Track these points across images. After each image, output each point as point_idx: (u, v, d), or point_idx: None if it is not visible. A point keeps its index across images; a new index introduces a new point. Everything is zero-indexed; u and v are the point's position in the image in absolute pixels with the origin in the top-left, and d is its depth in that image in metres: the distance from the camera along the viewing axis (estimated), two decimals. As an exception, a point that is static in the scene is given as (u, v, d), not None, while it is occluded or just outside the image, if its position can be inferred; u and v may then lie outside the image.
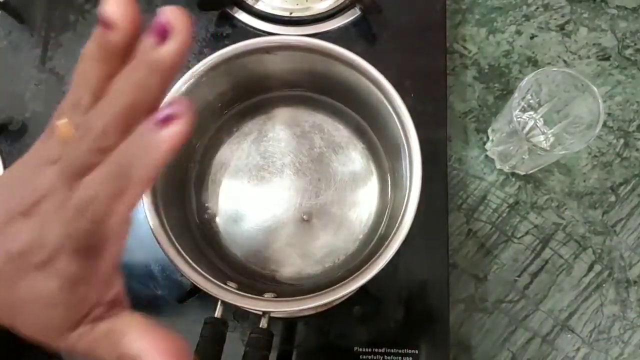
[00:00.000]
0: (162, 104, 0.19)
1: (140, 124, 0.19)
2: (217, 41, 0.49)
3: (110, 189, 0.19)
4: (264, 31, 0.48)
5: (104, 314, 0.22)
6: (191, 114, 0.19)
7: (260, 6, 0.49)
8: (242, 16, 0.49)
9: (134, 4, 0.19)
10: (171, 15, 0.18)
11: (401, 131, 0.34)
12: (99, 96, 0.20)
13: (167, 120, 0.19)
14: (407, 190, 0.33)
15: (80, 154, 0.20)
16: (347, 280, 0.31)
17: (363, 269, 0.32)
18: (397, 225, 0.33)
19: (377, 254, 0.32)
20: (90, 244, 0.20)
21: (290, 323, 0.43)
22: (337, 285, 0.31)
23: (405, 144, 0.34)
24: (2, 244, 0.21)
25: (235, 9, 0.49)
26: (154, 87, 0.19)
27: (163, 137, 0.19)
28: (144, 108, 0.20)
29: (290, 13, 0.49)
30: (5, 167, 0.46)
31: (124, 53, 0.20)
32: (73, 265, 0.20)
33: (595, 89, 0.43)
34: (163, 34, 0.18)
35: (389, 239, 0.32)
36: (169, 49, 0.19)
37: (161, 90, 0.20)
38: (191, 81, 0.34)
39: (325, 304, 0.38)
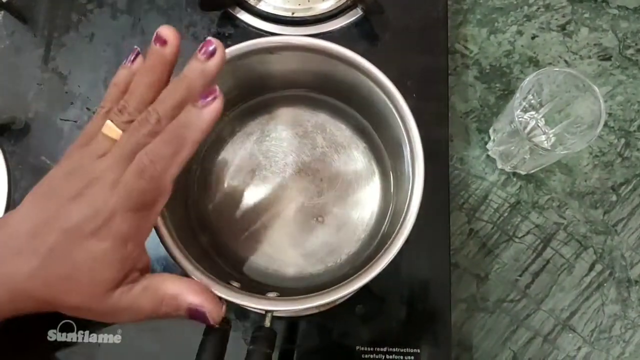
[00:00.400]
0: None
1: (189, 104, 0.27)
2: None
3: (170, 149, 0.27)
4: (266, 31, 0.48)
5: (138, 277, 0.29)
6: (222, 98, 0.28)
7: (262, 6, 0.49)
8: (244, 16, 0.49)
9: (178, 33, 0.29)
10: (216, 42, 0.28)
11: (403, 131, 0.34)
12: (144, 100, 0.28)
13: (208, 100, 0.27)
14: (410, 190, 0.33)
15: (139, 139, 0.27)
16: (350, 279, 0.31)
17: (366, 267, 0.32)
18: (399, 224, 0.33)
19: (380, 253, 0.32)
20: (144, 201, 0.27)
21: (292, 322, 0.43)
22: (340, 284, 0.31)
23: (408, 144, 0.34)
24: (56, 224, 0.26)
25: (237, 9, 0.49)
26: (198, 87, 0.28)
27: (207, 111, 0.27)
28: (190, 101, 0.28)
29: (292, 13, 0.49)
30: (8, 166, 0.46)
31: (171, 65, 0.29)
32: (126, 223, 0.27)
33: (596, 88, 0.43)
34: (212, 53, 0.28)
35: (392, 238, 0.33)
36: (213, 63, 0.28)
37: (202, 90, 0.28)
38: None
39: (327, 303, 0.38)
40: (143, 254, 0.29)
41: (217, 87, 0.28)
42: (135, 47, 0.32)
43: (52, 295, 0.27)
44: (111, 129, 0.28)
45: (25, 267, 0.26)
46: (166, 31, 0.29)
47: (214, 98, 0.27)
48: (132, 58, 0.31)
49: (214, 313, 0.29)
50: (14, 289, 0.27)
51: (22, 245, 0.27)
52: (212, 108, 0.27)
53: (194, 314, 0.29)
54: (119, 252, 0.27)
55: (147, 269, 0.30)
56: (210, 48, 0.28)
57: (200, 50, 0.28)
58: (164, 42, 0.29)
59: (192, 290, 0.29)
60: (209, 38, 0.29)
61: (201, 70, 0.28)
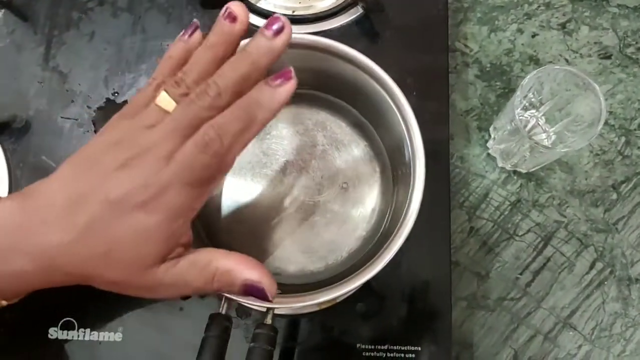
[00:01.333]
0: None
1: (261, 81, 0.27)
2: (220, 39, 0.49)
3: (239, 125, 0.26)
4: (266, 29, 0.48)
5: (182, 252, 0.27)
6: (296, 79, 0.27)
7: (262, 4, 0.49)
8: (245, 14, 0.49)
9: (247, 9, 0.28)
10: (283, 19, 0.27)
11: (404, 128, 0.34)
12: (203, 76, 0.27)
13: (283, 78, 0.27)
14: (411, 188, 0.33)
15: (197, 112, 0.26)
16: (352, 276, 0.31)
17: (367, 265, 0.32)
18: (400, 222, 0.33)
19: (381, 251, 0.32)
20: (204, 177, 0.26)
21: (293, 320, 0.43)
22: (342, 281, 0.32)
23: (409, 141, 0.34)
24: (98, 195, 0.25)
25: (238, 7, 0.49)
26: (263, 65, 0.27)
27: (280, 91, 0.26)
28: (252, 81, 0.27)
29: (293, 11, 0.49)
30: (9, 165, 0.46)
31: (237, 44, 0.28)
32: (181, 197, 0.25)
33: (597, 86, 0.43)
34: (277, 32, 0.27)
35: (393, 236, 0.33)
36: (282, 40, 0.27)
37: (266, 68, 0.27)
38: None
39: (328, 301, 0.38)
40: (188, 229, 0.28)
41: (292, 69, 0.27)
42: (195, 20, 0.30)
43: (87, 271, 0.26)
44: (166, 101, 0.26)
45: (56, 240, 0.25)
46: (237, 8, 0.28)
47: (289, 78, 0.27)
48: (190, 32, 0.29)
49: (272, 288, 0.28)
50: (44, 262, 0.25)
51: (56, 216, 0.25)
52: (286, 88, 0.26)
53: (250, 290, 0.28)
54: (168, 227, 0.26)
55: (189, 244, 0.28)
56: (277, 26, 0.27)
57: (267, 27, 0.27)
58: (234, 19, 0.28)
59: (246, 265, 0.28)
60: (276, 15, 0.27)
61: (268, 48, 0.27)
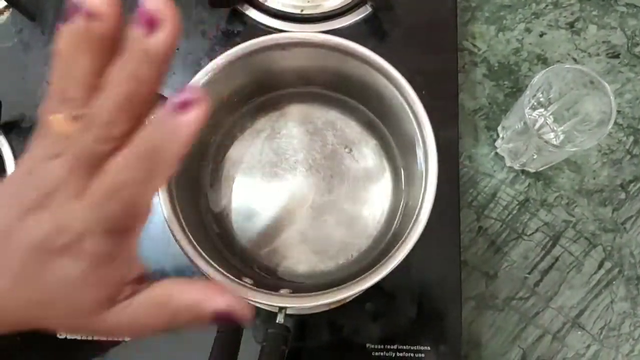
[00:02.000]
0: (178, 90, 0.20)
1: (160, 110, 0.20)
2: (228, 38, 0.49)
3: (140, 172, 0.21)
4: (275, 29, 0.48)
5: (136, 289, 0.23)
6: (206, 100, 0.20)
7: (271, 3, 0.49)
8: (253, 13, 0.49)
9: None
10: (156, 3, 0.19)
11: (416, 126, 0.34)
12: (90, 89, 0.21)
13: (184, 105, 0.20)
14: (423, 187, 0.33)
15: (89, 144, 0.20)
16: (364, 276, 0.31)
17: (379, 264, 0.32)
18: (413, 221, 0.33)
19: (393, 250, 0.32)
20: (120, 225, 0.22)
21: (302, 320, 0.43)
22: (354, 281, 0.32)
23: (420, 139, 0.34)
24: (21, 238, 0.21)
25: (246, 6, 0.49)
26: (149, 76, 0.20)
27: (183, 122, 0.20)
28: (143, 97, 0.20)
29: (302, 10, 0.49)
30: (17, 163, 0.46)
31: (111, 43, 0.20)
32: (102, 244, 0.21)
33: (606, 85, 0.43)
34: (151, 24, 0.19)
35: (405, 235, 0.33)
36: (159, 39, 0.19)
37: (157, 78, 0.20)
38: (208, 76, 0.34)
39: (339, 300, 0.38)
40: (133, 265, 0.24)
41: (197, 87, 0.22)
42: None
43: (30, 319, 0.23)
44: (58, 124, 0.21)
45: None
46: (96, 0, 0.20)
47: (193, 103, 0.20)
48: (67, 14, 0.21)
49: (245, 311, 0.24)
50: None
51: None
52: (189, 117, 0.20)
53: (222, 319, 0.24)
54: (96, 273, 0.22)
55: (142, 279, 0.24)
56: (150, 11, 0.19)
57: (138, 21, 0.19)
58: (95, 16, 0.20)
59: (212, 294, 0.24)
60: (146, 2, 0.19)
61: (142, 53, 0.20)
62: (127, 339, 0.24)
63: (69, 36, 0.20)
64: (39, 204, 0.21)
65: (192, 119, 0.20)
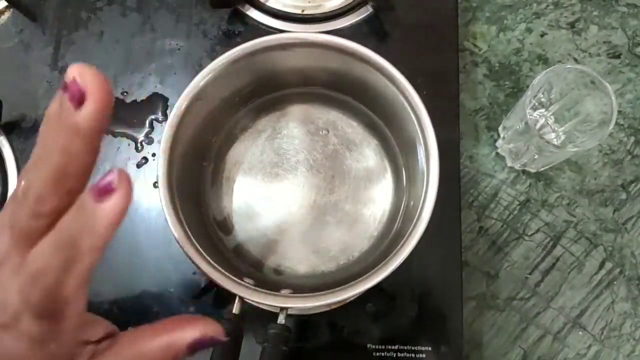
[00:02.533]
0: (103, 174, 0.19)
1: (82, 194, 0.19)
2: (229, 39, 0.49)
3: (59, 261, 0.19)
4: (275, 29, 0.48)
5: (98, 350, 0.22)
6: (129, 186, 0.19)
7: (272, 4, 0.49)
8: (254, 14, 0.49)
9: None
10: (81, 76, 0.18)
11: (417, 127, 0.34)
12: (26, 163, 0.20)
13: (103, 192, 0.19)
14: (424, 187, 0.33)
15: (24, 219, 0.20)
16: (366, 276, 0.31)
17: (381, 265, 0.32)
18: (414, 221, 0.33)
19: (395, 250, 0.32)
20: (49, 309, 0.20)
21: (302, 320, 0.43)
22: (355, 281, 0.31)
23: (422, 141, 0.34)
24: None
25: (247, 6, 0.49)
26: (78, 150, 0.19)
27: (102, 212, 0.19)
28: (74, 171, 0.19)
29: (302, 11, 0.49)
30: (17, 163, 0.46)
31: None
32: (36, 327, 0.20)
33: (608, 85, 0.43)
34: (78, 97, 0.18)
35: (407, 235, 0.32)
36: (85, 113, 0.18)
37: (88, 152, 0.19)
38: (209, 77, 0.34)
39: (340, 301, 0.38)
40: (86, 328, 0.22)
41: (117, 173, 0.19)
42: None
43: None
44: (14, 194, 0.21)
45: None
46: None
47: (113, 190, 0.19)
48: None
49: (219, 330, 0.23)
50: None
51: None
52: (109, 205, 0.19)
53: (200, 346, 0.23)
54: (39, 354, 0.21)
55: (108, 334, 0.23)
56: (75, 85, 0.18)
57: (65, 93, 0.18)
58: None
59: (180, 328, 0.22)
60: (71, 67, 0.18)
61: (69, 127, 0.19)
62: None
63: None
64: None
65: (110, 209, 0.19)
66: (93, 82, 0.18)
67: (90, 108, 0.18)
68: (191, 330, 0.22)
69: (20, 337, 0.20)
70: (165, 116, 0.47)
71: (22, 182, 0.20)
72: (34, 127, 0.47)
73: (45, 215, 0.20)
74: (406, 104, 0.34)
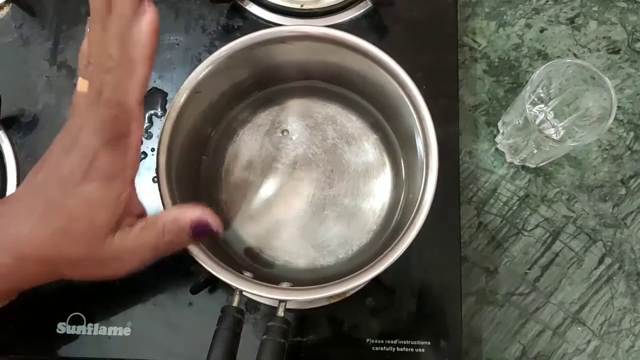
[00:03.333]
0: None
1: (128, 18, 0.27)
2: (228, 33, 0.49)
3: (122, 71, 0.27)
4: (275, 23, 0.48)
5: (134, 221, 0.29)
6: (153, 5, 0.28)
7: (271, -2, 0.49)
8: (253, 8, 0.49)
9: None
10: None
11: (417, 120, 0.34)
12: (100, 43, 0.28)
13: (140, 12, 0.27)
14: (424, 179, 0.33)
15: (99, 78, 0.27)
16: (364, 269, 0.31)
17: (379, 257, 0.32)
18: (412, 215, 0.33)
19: (393, 244, 0.32)
20: (117, 131, 0.28)
21: (302, 314, 0.43)
22: (355, 274, 0.31)
23: (421, 133, 0.34)
24: (52, 178, 0.28)
25: (246, 1, 0.49)
26: (127, 12, 0.27)
27: (143, 25, 0.28)
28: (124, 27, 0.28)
29: (302, 5, 0.49)
30: (17, 159, 0.46)
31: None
32: (107, 159, 0.27)
33: (607, 80, 0.43)
34: None
35: (405, 228, 0.32)
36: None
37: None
38: (209, 69, 0.34)
39: (339, 294, 0.38)
40: (135, 199, 0.30)
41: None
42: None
43: (55, 251, 0.28)
44: (82, 84, 0.29)
45: (25, 228, 0.27)
46: None
47: (144, 8, 0.28)
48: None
49: (215, 220, 0.31)
50: (19, 253, 0.27)
51: (22, 206, 0.28)
52: (146, 20, 0.27)
53: (197, 227, 0.30)
54: (108, 190, 0.28)
55: (142, 215, 0.31)
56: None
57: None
58: None
59: (187, 209, 0.30)
60: None
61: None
62: (130, 267, 0.30)
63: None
64: (71, 147, 0.28)
65: (147, 21, 0.27)
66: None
67: None
68: (193, 212, 0.30)
69: (94, 177, 0.27)
70: (165, 111, 0.47)
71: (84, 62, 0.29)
72: (33, 122, 0.47)
73: (113, 67, 0.27)
74: (405, 97, 0.34)
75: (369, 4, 0.49)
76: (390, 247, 0.32)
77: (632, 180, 0.51)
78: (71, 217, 0.27)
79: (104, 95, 0.27)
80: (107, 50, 0.28)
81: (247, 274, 0.33)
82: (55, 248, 0.28)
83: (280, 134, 0.41)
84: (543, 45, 0.54)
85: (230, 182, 0.40)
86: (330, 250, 0.39)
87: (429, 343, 0.42)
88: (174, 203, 0.33)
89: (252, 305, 0.42)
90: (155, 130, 0.47)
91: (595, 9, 0.55)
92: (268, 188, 0.40)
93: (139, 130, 0.29)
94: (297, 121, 0.41)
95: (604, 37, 0.54)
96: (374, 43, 0.35)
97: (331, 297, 0.36)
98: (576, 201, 0.50)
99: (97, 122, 0.27)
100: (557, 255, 0.49)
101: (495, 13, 0.55)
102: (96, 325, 0.42)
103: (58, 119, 0.47)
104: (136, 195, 0.31)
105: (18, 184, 0.45)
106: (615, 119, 0.52)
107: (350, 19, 0.49)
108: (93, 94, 0.28)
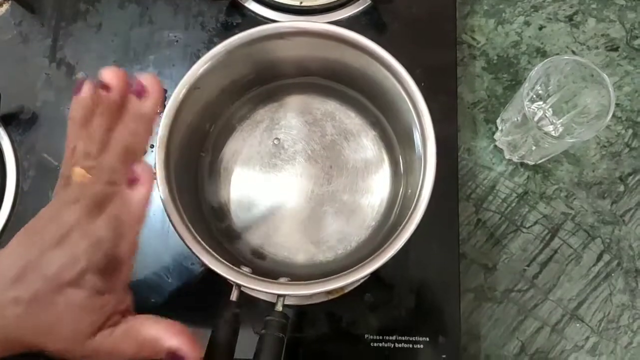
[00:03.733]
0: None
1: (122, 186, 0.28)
2: (227, 30, 0.49)
3: (114, 233, 0.27)
4: (274, 20, 0.48)
5: (119, 320, 0.28)
6: (150, 174, 0.29)
7: (270, -4, 0.49)
8: (252, 5, 0.49)
9: (123, 72, 0.29)
10: (147, 81, 0.29)
11: (415, 115, 0.34)
12: (102, 144, 0.28)
13: (133, 181, 0.28)
14: (422, 174, 0.33)
15: (100, 189, 0.28)
16: (363, 263, 0.31)
17: (377, 253, 0.32)
18: (410, 211, 0.33)
19: (391, 239, 0.32)
20: (108, 267, 0.27)
21: (301, 310, 0.43)
22: (353, 268, 0.32)
23: (419, 128, 0.34)
24: (38, 271, 0.26)
25: (246, -2, 0.49)
26: (142, 132, 0.29)
27: (134, 196, 0.28)
28: (137, 148, 0.29)
29: (301, 2, 0.49)
30: (16, 155, 0.46)
31: (118, 108, 0.29)
32: (97, 281, 0.27)
33: (606, 77, 0.43)
34: (143, 94, 0.29)
35: (403, 224, 0.33)
36: (149, 104, 0.29)
37: (147, 133, 0.30)
38: (208, 65, 0.34)
39: (337, 290, 0.38)
40: (125, 297, 0.29)
41: (142, 168, 0.28)
42: (79, 76, 0.35)
43: (37, 342, 0.27)
44: (79, 175, 0.28)
45: (13, 312, 0.26)
46: (109, 76, 0.29)
47: (138, 180, 0.28)
48: (78, 89, 0.29)
49: (192, 355, 0.28)
50: (3, 336, 0.27)
51: (7, 291, 0.26)
52: (137, 192, 0.28)
53: (173, 357, 0.28)
54: (96, 301, 0.27)
55: (129, 310, 0.29)
56: (142, 85, 0.29)
57: (134, 92, 0.29)
58: (108, 88, 0.28)
59: (170, 333, 0.28)
60: (141, 75, 0.29)
61: (138, 115, 0.29)
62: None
63: (83, 103, 0.28)
64: (60, 242, 0.27)
65: (138, 194, 0.28)
66: (152, 83, 0.29)
67: (151, 101, 0.29)
68: (174, 340, 0.28)
69: (83, 288, 0.27)
70: (164, 108, 0.47)
71: (89, 163, 0.28)
72: (32, 119, 0.47)
73: (116, 182, 0.28)
74: (403, 93, 0.34)
75: (368, 1, 0.49)
76: (389, 242, 0.32)
77: (631, 177, 0.51)
78: (57, 317, 0.27)
79: (99, 245, 0.27)
80: (113, 165, 0.28)
81: (246, 269, 0.33)
82: (40, 341, 0.27)
83: (279, 130, 0.41)
84: (542, 43, 0.54)
85: (229, 178, 0.41)
86: (329, 245, 0.39)
87: (428, 339, 0.42)
88: (173, 200, 0.33)
89: (250, 301, 0.42)
90: (155, 127, 0.47)
91: (593, 6, 0.55)
92: (267, 184, 0.40)
93: (127, 270, 0.29)
94: (296, 117, 0.41)
95: (602, 35, 0.54)
96: (373, 40, 0.35)
97: (330, 292, 0.36)
98: (575, 198, 0.50)
99: (90, 254, 0.27)
100: (555, 252, 0.49)
101: (494, 10, 0.55)
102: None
103: (57, 115, 0.47)
104: (125, 294, 0.30)
105: (17, 181, 0.45)
106: (614, 116, 0.52)
107: (349, 16, 0.49)
108: (91, 201, 0.27)
